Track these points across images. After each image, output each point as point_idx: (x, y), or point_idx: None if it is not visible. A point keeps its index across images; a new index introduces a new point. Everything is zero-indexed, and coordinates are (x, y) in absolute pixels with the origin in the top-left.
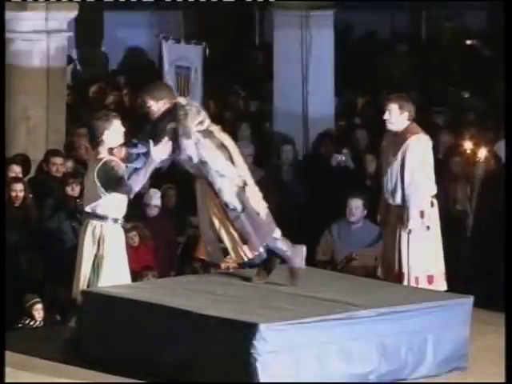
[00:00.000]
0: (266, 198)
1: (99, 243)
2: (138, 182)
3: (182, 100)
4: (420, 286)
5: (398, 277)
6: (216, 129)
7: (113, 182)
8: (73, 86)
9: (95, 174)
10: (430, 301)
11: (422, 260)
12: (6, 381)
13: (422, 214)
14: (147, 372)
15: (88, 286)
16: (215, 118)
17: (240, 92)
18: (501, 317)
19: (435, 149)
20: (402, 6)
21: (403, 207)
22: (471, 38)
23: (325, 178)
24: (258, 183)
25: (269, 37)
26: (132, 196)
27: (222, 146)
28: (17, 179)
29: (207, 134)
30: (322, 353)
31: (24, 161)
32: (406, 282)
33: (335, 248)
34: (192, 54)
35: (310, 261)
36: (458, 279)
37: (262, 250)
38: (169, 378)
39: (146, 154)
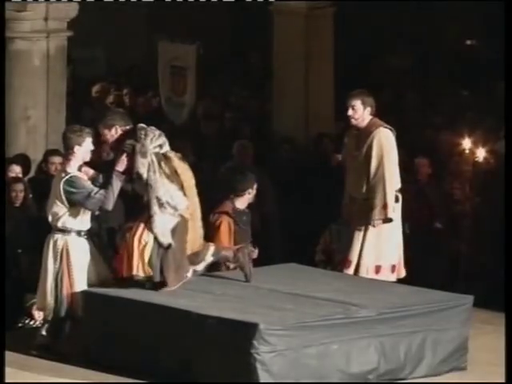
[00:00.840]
0: (266, 197)
1: (61, 257)
2: (109, 200)
3: (142, 124)
4: (383, 275)
5: (356, 268)
6: (174, 155)
7: (78, 197)
8: (73, 85)
9: (61, 186)
10: (430, 301)
11: (383, 251)
12: (7, 381)
13: (385, 206)
14: (147, 372)
15: (55, 300)
16: (216, 118)
17: (240, 92)
18: (501, 316)
19: (436, 148)
20: (403, 6)
21: (367, 200)
22: (471, 38)
23: (324, 177)
24: (258, 183)
25: (269, 36)
26: (97, 212)
27: (175, 174)
28: (17, 179)
29: (164, 158)
30: (322, 352)
31: (24, 161)
32: (364, 273)
33: (335, 248)
34: (186, 54)
35: (310, 261)
36: (458, 279)
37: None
38: (169, 378)
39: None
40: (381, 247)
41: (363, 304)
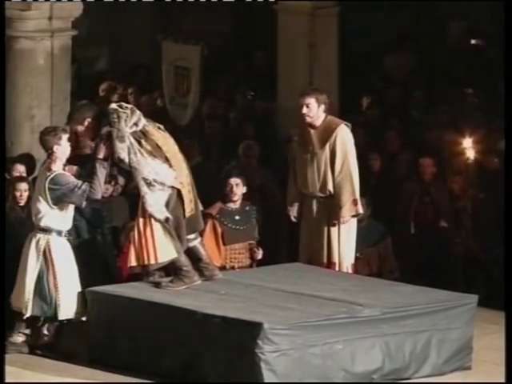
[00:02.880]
0: (270, 196)
1: (44, 256)
2: (96, 189)
3: (112, 105)
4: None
5: (327, 267)
6: (152, 128)
7: (63, 192)
8: (77, 85)
9: (46, 185)
10: (435, 300)
11: (350, 248)
12: (12, 380)
13: (355, 202)
14: (151, 371)
15: (33, 299)
16: (220, 118)
17: (246, 92)
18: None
19: (440, 148)
20: (407, 5)
21: (333, 197)
22: (476, 37)
23: None
24: (263, 182)
25: (274, 36)
26: (84, 205)
27: (157, 148)
28: (21, 178)
29: (142, 135)
30: (326, 352)
31: (28, 160)
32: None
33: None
34: (190, 54)
35: None
36: (462, 278)
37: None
38: (173, 377)
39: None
40: (352, 244)
41: (368, 303)
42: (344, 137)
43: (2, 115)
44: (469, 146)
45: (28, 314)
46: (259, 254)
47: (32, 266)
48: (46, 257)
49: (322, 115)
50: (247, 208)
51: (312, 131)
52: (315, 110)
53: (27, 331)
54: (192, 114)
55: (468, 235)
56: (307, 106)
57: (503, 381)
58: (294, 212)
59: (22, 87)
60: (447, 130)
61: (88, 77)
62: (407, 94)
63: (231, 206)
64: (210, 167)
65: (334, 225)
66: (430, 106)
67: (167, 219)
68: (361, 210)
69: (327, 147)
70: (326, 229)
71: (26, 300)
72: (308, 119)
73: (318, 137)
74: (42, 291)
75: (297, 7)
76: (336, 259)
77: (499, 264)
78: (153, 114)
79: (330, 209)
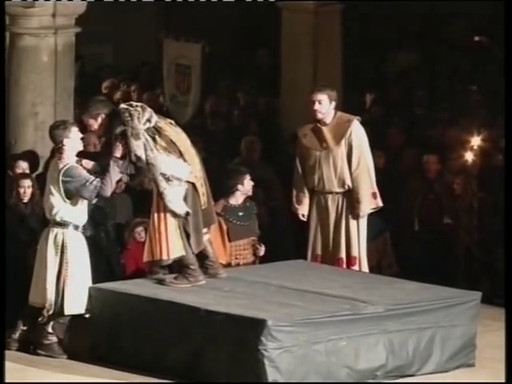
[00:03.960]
0: (273, 194)
1: (62, 250)
2: (107, 186)
3: (122, 104)
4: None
5: (348, 263)
6: (164, 124)
7: (75, 185)
8: (80, 82)
9: (59, 178)
10: (438, 297)
11: (364, 242)
12: (15, 377)
13: (374, 195)
14: (155, 368)
15: (57, 293)
16: (224, 116)
17: (249, 89)
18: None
19: (444, 145)
20: (410, 3)
21: (350, 192)
22: (480, 35)
23: None
24: (267, 180)
25: (277, 33)
26: (94, 201)
27: (171, 143)
28: (24, 175)
29: (156, 131)
30: (330, 349)
31: (32, 157)
32: (359, 267)
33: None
34: (192, 53)
35: None
36: (462, 274)
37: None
38: (176, 374)
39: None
40: (364, 238)
41: (371, 300)
42: (358, 131)
43: (3, 113)
44: (472, 145)
45: (52, 311)
46: (261, 251)
47: (51, 261)
48: (63, 251)
49: (332, 112)
50: (248, 204)
51: (324, 128)
52: (327, 107)
53: (24, 328)
54: (192, 113)
55: (469, 233)
56: (319, 103)
57: (506, 378)
58: (303, 210)
59: (25, 84)
60: (450, 127)
61: (91, 74)
62: (411, 91)
63: (234, 202)
64: (213, 165)
65: (353, 219)
66: (433, 104)
67: (187, 213)
68: (380, 203)
69: (343, 143)
70: (344, 224)
71: (50, 296)
72: (319, 116)
73: (332, 133)
74: (60, 287)
75: (300, 5)
76: (356, 253)
77: (502, 261)
78: (155, 112)
79: (348, 203)
